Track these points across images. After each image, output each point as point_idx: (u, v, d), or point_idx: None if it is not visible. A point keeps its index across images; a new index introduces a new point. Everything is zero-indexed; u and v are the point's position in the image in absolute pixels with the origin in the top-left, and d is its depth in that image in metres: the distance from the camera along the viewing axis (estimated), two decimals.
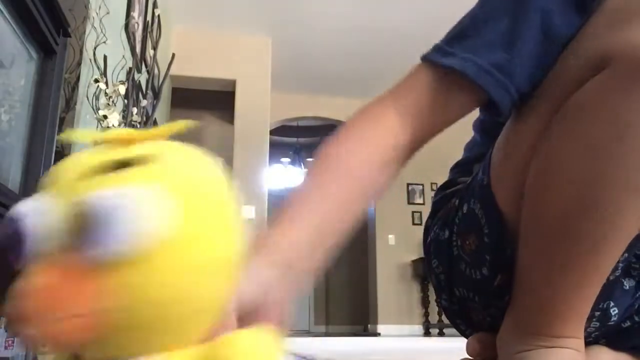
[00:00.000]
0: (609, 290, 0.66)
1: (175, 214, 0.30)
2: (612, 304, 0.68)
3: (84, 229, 0.28)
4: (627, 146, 0.50)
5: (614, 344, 0.73)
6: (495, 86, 0.57)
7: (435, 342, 3.73)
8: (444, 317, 5.55)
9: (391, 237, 6.61)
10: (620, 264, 0.65)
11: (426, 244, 0.82)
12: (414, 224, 6.64)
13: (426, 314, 6.36)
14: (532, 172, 0.59)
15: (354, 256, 7.72)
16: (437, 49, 0.61)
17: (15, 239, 0.29)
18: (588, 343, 0.73)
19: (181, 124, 0.38)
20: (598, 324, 0.69)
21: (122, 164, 0.31)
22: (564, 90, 0.56)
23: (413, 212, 6.70)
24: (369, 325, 6.83)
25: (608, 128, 0.51)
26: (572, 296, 0.57)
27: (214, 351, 0.33)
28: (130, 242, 0.28)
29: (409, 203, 6.73)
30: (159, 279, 0.29)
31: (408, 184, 6.75)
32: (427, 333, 6.29)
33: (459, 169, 0.88)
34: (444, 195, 0.82)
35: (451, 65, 0.58)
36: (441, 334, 6.12)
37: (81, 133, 0.35)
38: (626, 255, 0.64)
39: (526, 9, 0.58)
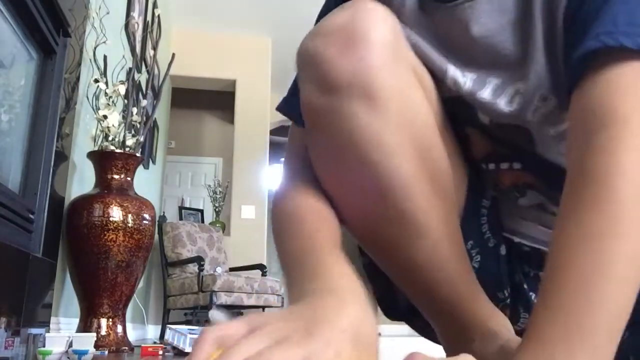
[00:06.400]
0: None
1: None
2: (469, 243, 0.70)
3: None
4: (344, 165, 0.58)
5: None
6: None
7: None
8: None
9: None
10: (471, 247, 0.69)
11: None
12: None
13: None
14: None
15: (354, 256, 7.70)
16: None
17: None
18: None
19: None
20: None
21: None
22: None
23: None
24: None
25: (324, 158, 0.60)
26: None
27: None
28: None
29: None
30: None
31: None
32: None
33: None
34: None
35: (289, 112, 0.71)
36: None
37: None
38: (471, 242, 0.69)
39: None
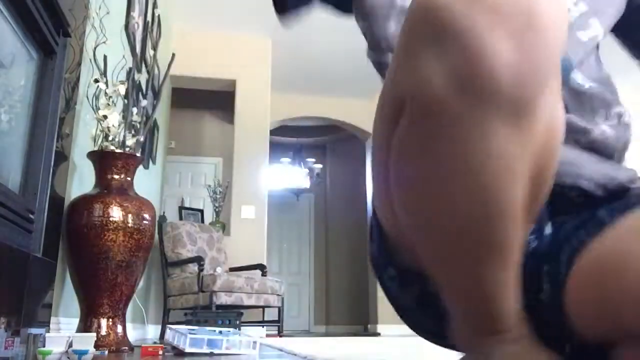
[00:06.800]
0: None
1: None
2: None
3: None
4: (454, 181, 0.48)
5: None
6: None
7: None
8: None
9: None
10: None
11: None
12: None
13: None
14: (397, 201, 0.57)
15: (354, 256, 7.72)
16: None
17: None
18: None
19: None
20: None
21: None
22: (390, 129, 0.53)
23: None
24: (368, 325, 6.83)
25: (429, 167, 0.49)
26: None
27: None
28: None
29: None
30: None
31: None
32: None
33: None
34: None
35: None
36: None
37: None
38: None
39: None
